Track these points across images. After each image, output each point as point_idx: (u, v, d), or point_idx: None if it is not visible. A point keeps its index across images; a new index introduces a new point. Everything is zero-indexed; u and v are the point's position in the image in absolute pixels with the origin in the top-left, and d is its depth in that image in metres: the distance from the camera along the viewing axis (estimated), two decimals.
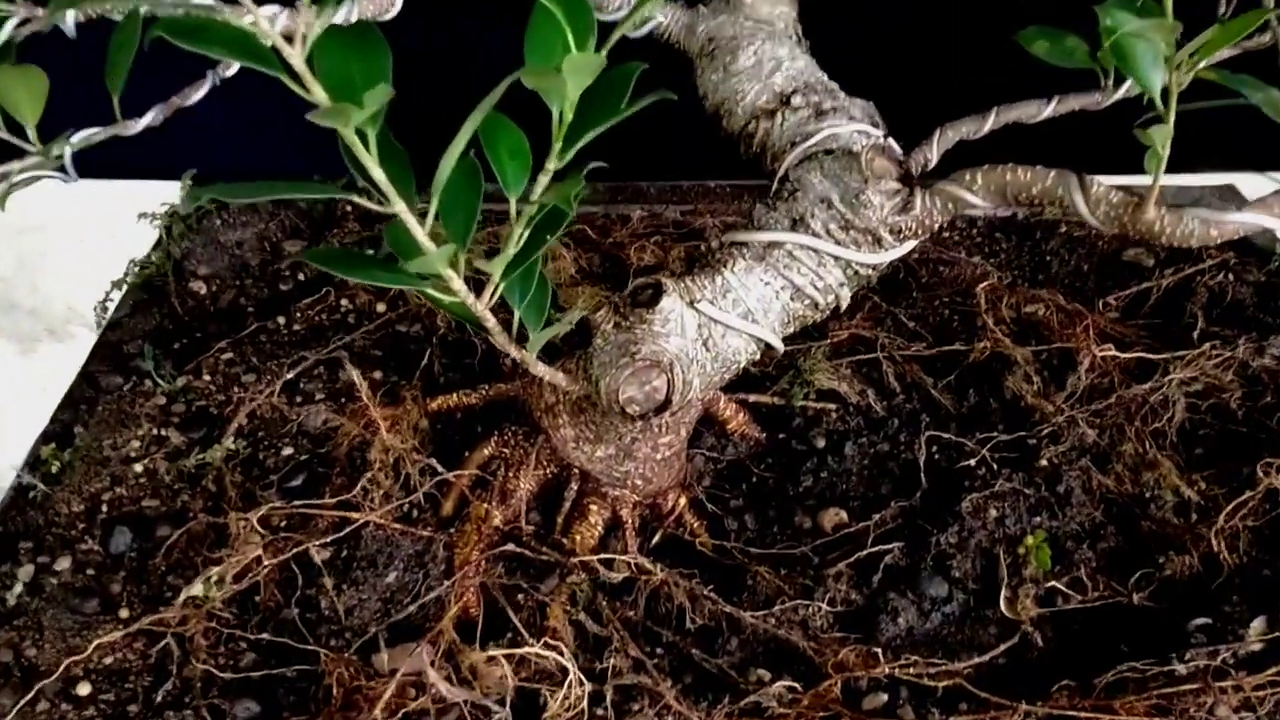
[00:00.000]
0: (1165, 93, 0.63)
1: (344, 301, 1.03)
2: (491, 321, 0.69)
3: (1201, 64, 0.67)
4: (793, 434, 0.92)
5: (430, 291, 0.68)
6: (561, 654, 0.70)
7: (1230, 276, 1.08)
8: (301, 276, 1.09)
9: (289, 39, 0.51)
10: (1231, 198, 1.25)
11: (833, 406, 0.93)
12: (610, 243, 1.08)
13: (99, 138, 0.74)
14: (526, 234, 0.67)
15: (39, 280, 1.92)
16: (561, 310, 0.97)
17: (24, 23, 0.67)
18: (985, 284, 1.03)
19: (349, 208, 1.16)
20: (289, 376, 0.93)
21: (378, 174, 0.59)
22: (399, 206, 0.61)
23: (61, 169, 0.74)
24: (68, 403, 0.95)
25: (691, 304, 0.76)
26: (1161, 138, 0.64)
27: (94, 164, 0.74)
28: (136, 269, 1.10)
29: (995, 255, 1.14)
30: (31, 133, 0.69)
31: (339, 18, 0.74)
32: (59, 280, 1.93)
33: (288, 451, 0.88)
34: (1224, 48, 0.67)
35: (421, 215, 0.62)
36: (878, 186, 0.75)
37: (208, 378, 0.95)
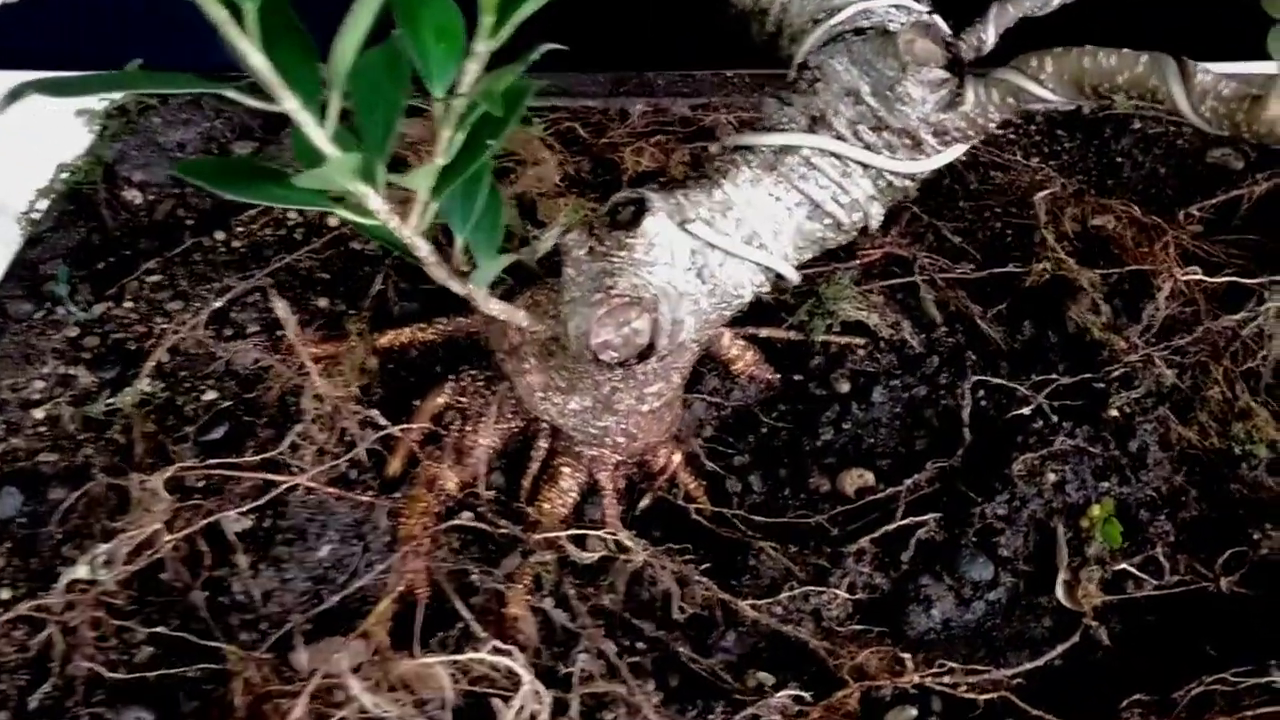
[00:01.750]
0: None
1: (291, 214, 0.89)
2: (424, 249, 0.55)
3: None
4: (811, 376, 0.77)
5: (342, 213, 0.53)
6: (514, 657, 0.57)
7: None
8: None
9: None
10: None
11: (860, 341, 0.79)
12: (605, 143, 0.92)
13: None
14: (461, 138, 0.52)
15: None
16: (539, 226, 0.83)
17: None
18: (1045, 192, 0.87)
19: None
20: (218, 305, 0.79)
21: (256, 60, 0.45)
22: (288, 104, 0.47)
23: None
24: None
25: (683, 224, 0.61)
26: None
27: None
28: (65, 175, 0.96)
29: (1057, 157, 0.98)
30: None
31: None
32: None
33: (210, 396, 0.74)
34: None
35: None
36: (918, 75, 0.60)
37: (129, 305, 0.82)
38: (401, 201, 0.54)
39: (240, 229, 0.88)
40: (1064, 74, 0.57)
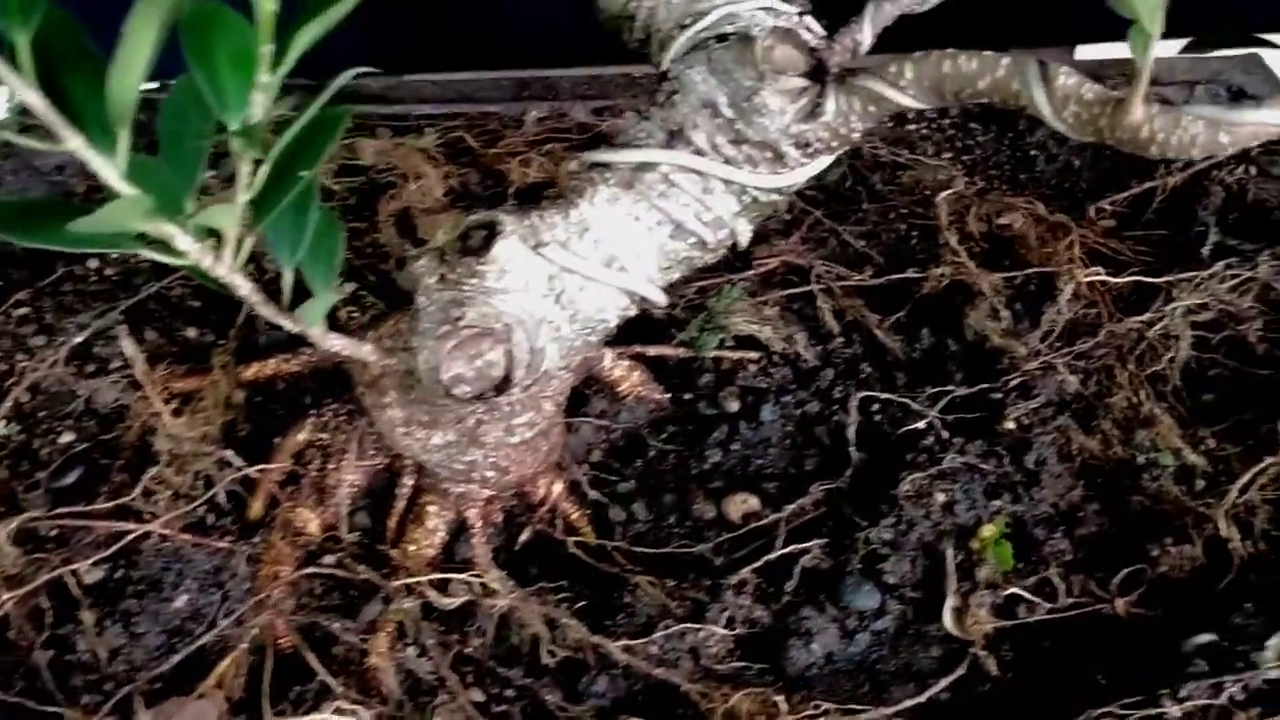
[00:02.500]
0: None
1: None
2: (244, 288, 0.52)
3: None
4: (701, 394, 0.74)
5: (148, 253, 0.50)
6: (359, 716, 0.54)
7: (1253, 171, 0.89)
8: None
9: None
10: (1258, 71, 1.04)
11: (753, 356, 0.76)
12: (495, 153, 0.89)
13: None
14: (269, 169, 0.48)
15: None
16: (421, 245, 0.79)
17: None
18: (949, 192, 0.84)
19: None
20: (79, 340, 0.75)
21: (29, 97, 0.42)
22: (71, 142, 0.44)
23: None
24: None
25: (538, 248, 0.58)
26: (1149, 7, 0.45)
27: None
28: None
29: (970, 151, 0.95)
30: None
31: None
32: None
33: (67, 438, 0.71)
34: None
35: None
36: (776, 85, 0.57)
37: None
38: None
39: (114, 255, 0.84)
40: (924, 79, 0.54)
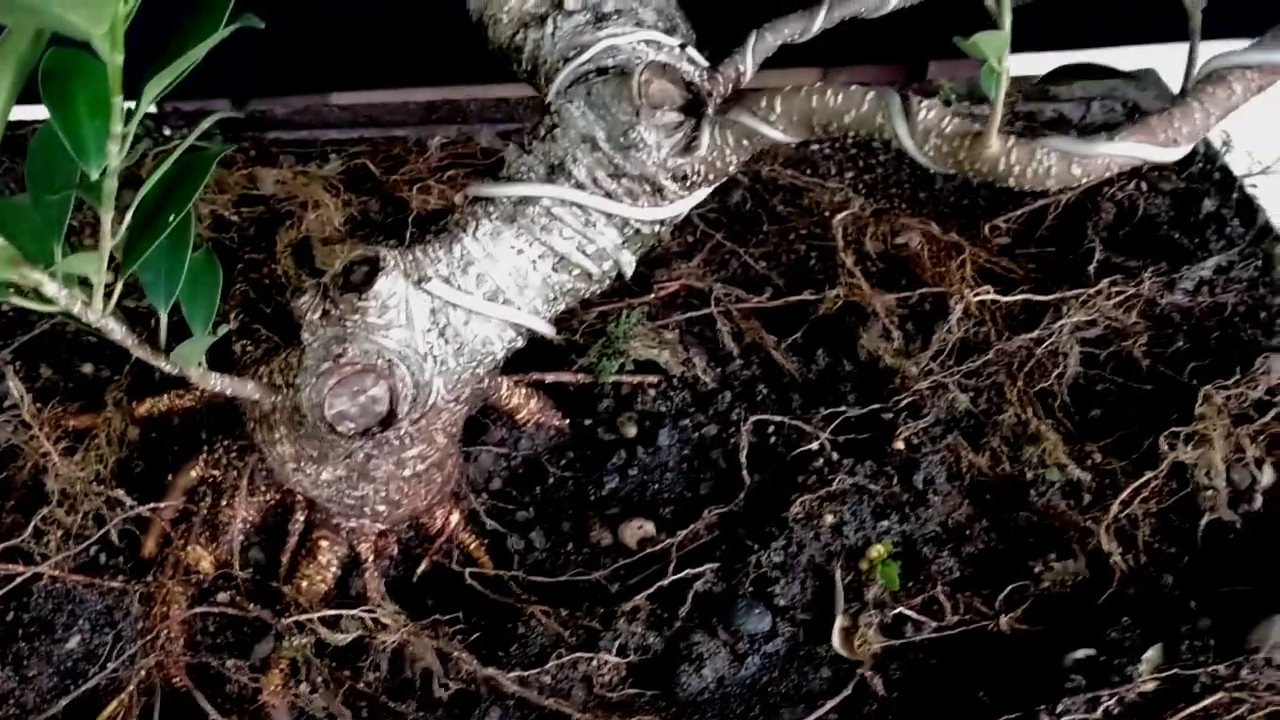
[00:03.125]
0: None
1: None
2: (118, 332, 0.51)
3: None
4: (600, 420, 0.75)
5: (18, 301, 0.50)
6: None
7: (1143, 187, 0.91)
8: None
9: None
10: (1152, 87, 1.07)
11: (652, 380, 0.76)
12: (396, 180, 0.89)
13: None
14: (132, 216, 0.49)
15: None
16: (317, 275, 0.79)
17: None
18: (845, 213, 0.85)
19: None
20: None
21: None
22: None
23: None
24: None
25: (420, 283, 0.58)
26: (995, 47, 0.46)
27: None
28: None
29: (871, 171, 0.97)
30: None
31: None
32: None
33: None
34: None
35: None
36: (653, 119, 0.57)
37: None
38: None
39: None
40: (793, 114, 0.55)
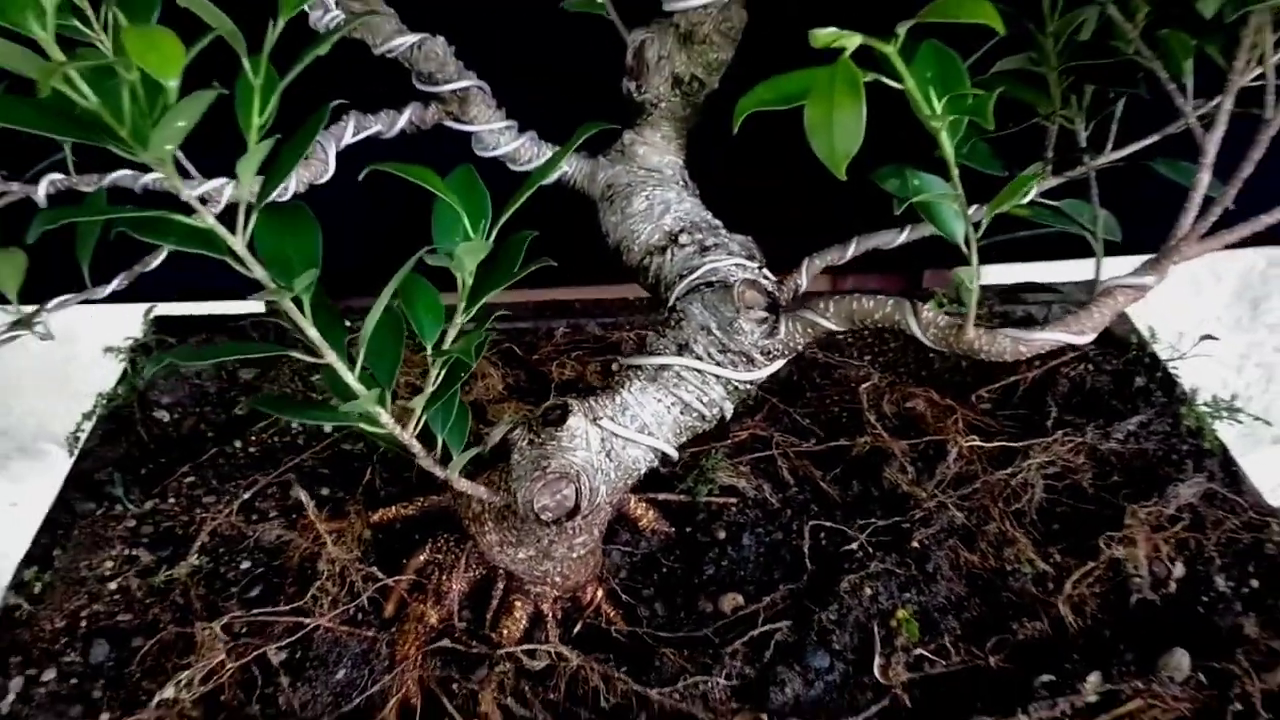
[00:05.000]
0: (969, 238, 0.77)
1: (294, 424, 1.14)
2: (417, 448, 0.81)
3: (997, 210, 0.81)
4: (697, 527, 1.04)
5: (362, 426, 0.79)
6: None
7: (1090, 367, 1.22)
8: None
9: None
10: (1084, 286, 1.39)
11: (733, 501, 1.05)
12: (535, 359, 1.20)
13: (72, 304, 0.85)
14: (442, 375, 0.79)
15: (12, 402, 2.00)
16: (489, 424, 1.09)
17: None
18: (868, 384, 1.16)
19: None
20: (245, 497, 1.04)
21: (312, 334, 0.71)
22: (330, 357, 0.73)
23: (23, 326, 0.85)
24: (46, 528, 1.05)
25: (595, 421, 0.88)
26: (968, 277, 0.77)
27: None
28: (104, 401, 1.21)
29: (884, 355, 1.28)
30: (14, 300, 0.81)
31: (277, 194, 0.86)
32: (31, 401, 2.02)
33: (246, 565, 0.98)
34: (1010, 202, 0.79)
35: (353, 362, 0.74)
36: (748, 315, 0.88)
37: (172, 500, 1.06)
38: (397, 417, 0.81)
39: (253, 438, 1.13)
40: (842, 313, 0.85)
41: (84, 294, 0.85)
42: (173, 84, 0.55)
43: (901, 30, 0.58)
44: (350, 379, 0.74)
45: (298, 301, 0.69)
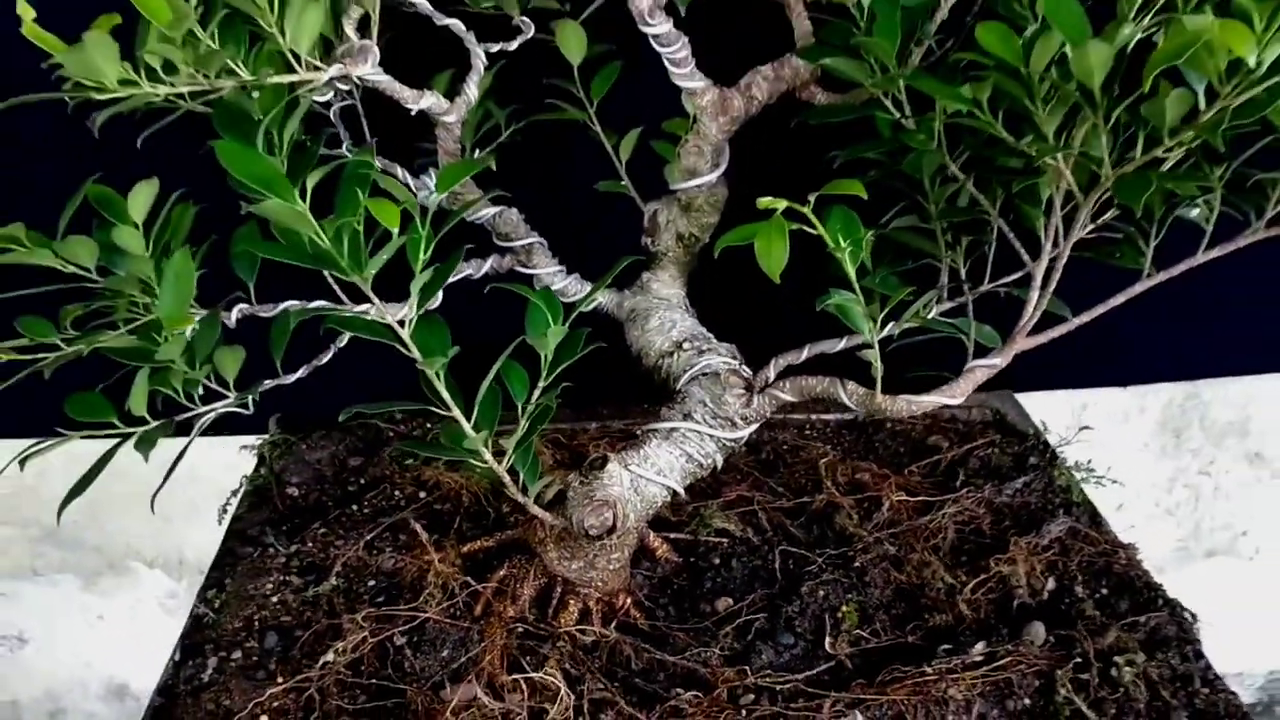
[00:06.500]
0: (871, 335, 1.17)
1: (395, 493, 1.52)
2: (507, 479, 1.19)
3: (905, 324, 1.22)
4: (698, 557, 1.41)
5: (471, 461, 1.18)
6: (557, 679, 1.17)
7: (995, 450, 1.61)
8: (362, 481, 1.58)
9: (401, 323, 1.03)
10: (1008, 399, 1.79)
11: (724, 539, 1.42)
12: (574, 443, 1.59)
13: (267, 386, 1.25)
14: (527, 426, 1.18)
15: (104, 520, 2.31)
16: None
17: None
18: (826, 459, 1.55)
19: (391, 434, 1.67)
20: (366, 538, 1.41)
21: (446, 395, 1.10)
22: (455, 411, 1.12)
23: (244, 406, 1.24)
24: (216, 565, 1.42)
25: (626, 466, 1.26)
26: (876, 362, 1.17)
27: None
28: (247, 481, 1.59)
29: (841, 441, 1.67)
30: (231, 385, 1.21)
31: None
32: (121, 520, 2.33)
33: (372, 583, 1.35)
34: (914, 319, 1.20)
35: (467, 417, 1.13)
36: (732, 393, 1.27)
37: (310, 544, 1.43)
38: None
39: (366, 503, 1.51)
40: (794, 389, 1.25)
41: (278, 380, 1.25)
42: (395, 230, 0.95)
43: (811, 198, 0.99)
44: (466, 426, 1.13)
45: (436, 375, 1.08)
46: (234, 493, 1.58)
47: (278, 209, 0.94)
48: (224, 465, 1.65)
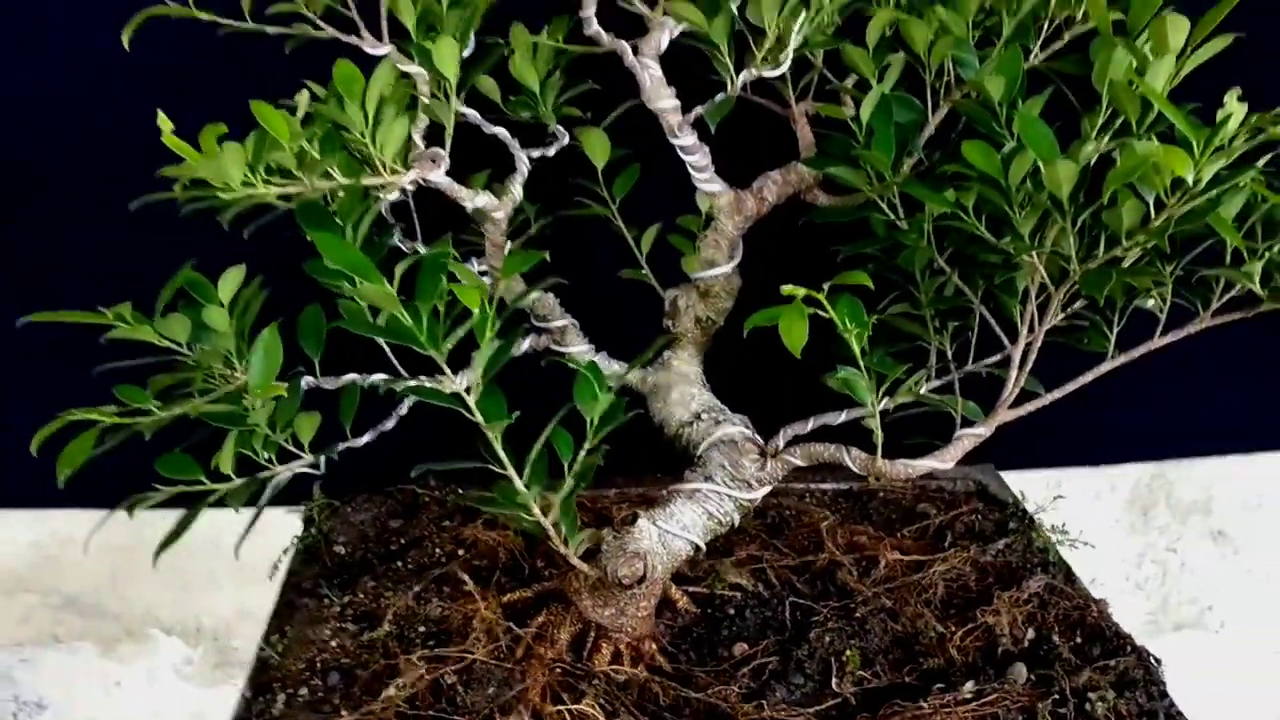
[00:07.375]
0: (873, 405, 1.34)
1: (436, 550, 1.67)
2: (551, 531, 1.35)
3: (900, 399, 1.39)
4: (715, 608, 1.56)
5: (521, 514, 1.33)
6: (595, 712, 1.31)
7: (979, 516, 1.78)
8: (403, 540, 1.73)
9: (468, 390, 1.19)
10: (989, 472, 1.96)
11: (738, 593, 1.58)
12: (598, 508, 1.75)
13: (342, 448, 1.40)
14: (572, 483, 1.34)
15: (125, 588, 2.39)
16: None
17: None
18: (827, 523, 1.71)
19: (427, 498, 1.83)
20: (415, 590, 1.56)
21: (502, 454, 1.26)
22: (510, 471, 1.28)
23: (315, 466, 1.39)
24: (276, 614, 1.56)
25: (654, 523, 1.42)
26: (878, 430, 1.34)
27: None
28: (298, 540, 1.74)
29: (839, 510, 1.83)
30: (305, 447, 1.36)
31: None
32: (141, 588, 2.42)
33: (422, 629, 1.49)
34: (907, 394, 1.38)
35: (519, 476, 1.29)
36: (749, 457, 1.44)
37: (362, 595, 1.58)
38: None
39: (410, 559, 1.66)
40: (804, 454, 1.42)
41: (348, 443, 1.41)
42: (476, 310, 1.12)
43: (826, 286, 1.17)
44: (519, 483, 1.29)
45: (495, 437, 1.24)
46: (284, 551, 1.72)
47: (370, 292, 1.10)
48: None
